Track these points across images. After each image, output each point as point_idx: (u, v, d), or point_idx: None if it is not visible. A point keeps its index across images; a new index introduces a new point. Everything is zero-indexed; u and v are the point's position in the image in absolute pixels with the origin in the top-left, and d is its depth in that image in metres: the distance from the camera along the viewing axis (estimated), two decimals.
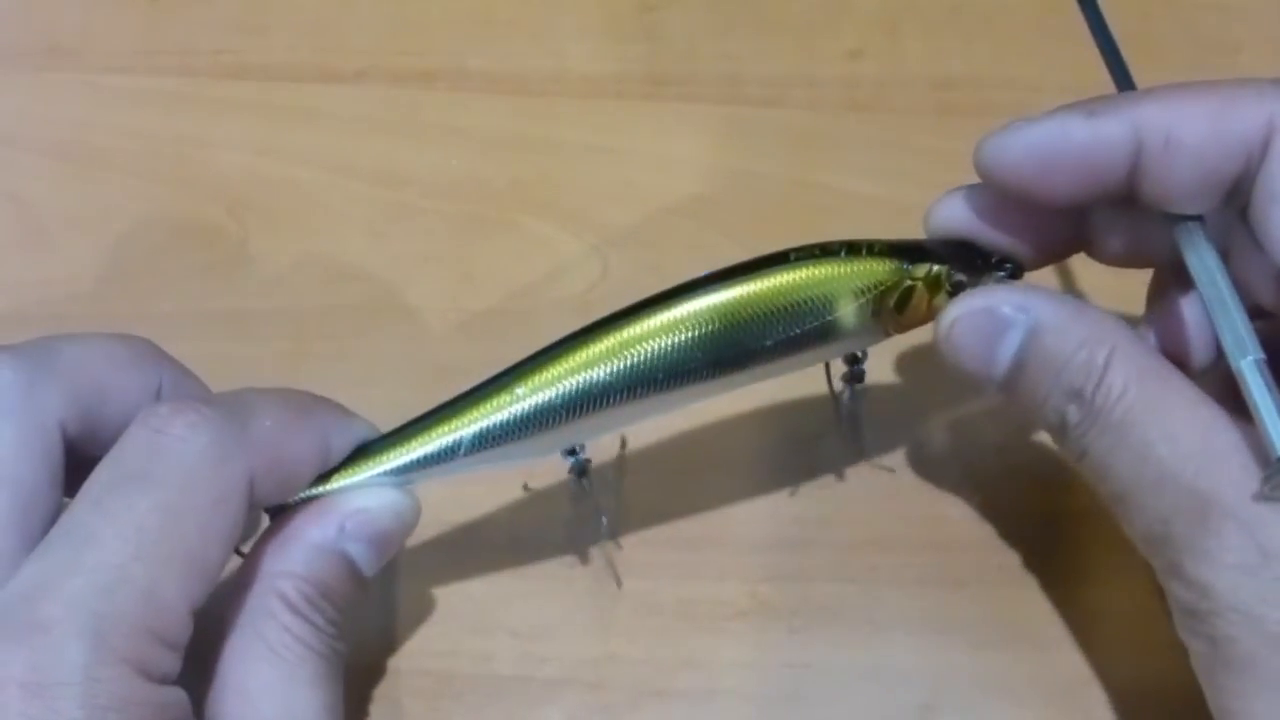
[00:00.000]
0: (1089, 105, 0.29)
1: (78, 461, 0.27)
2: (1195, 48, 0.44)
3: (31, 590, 0.24)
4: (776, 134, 0.43)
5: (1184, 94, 0.28)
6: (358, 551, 0.29)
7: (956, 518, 0.35)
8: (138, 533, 0.25)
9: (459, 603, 0.34)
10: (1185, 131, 0.27)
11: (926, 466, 0.36)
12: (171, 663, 0.25)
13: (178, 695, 0.25)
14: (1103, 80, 0.43)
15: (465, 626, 0.34)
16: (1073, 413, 0.28)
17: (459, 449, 0.30)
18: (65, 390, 0.27)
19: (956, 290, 0.31)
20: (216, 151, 0.43)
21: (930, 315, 0.31)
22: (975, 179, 0.30)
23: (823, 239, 0.31)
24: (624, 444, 0.33)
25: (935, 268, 0.31)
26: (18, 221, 0.41)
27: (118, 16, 0.45)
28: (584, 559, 0.34)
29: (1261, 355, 0.26)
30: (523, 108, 0.43)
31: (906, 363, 0.37)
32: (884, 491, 0.36)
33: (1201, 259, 0.28)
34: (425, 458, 0.30)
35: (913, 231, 0.31)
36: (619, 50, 0.45)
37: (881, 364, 0.36)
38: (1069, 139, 0.28)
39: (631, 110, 0.43)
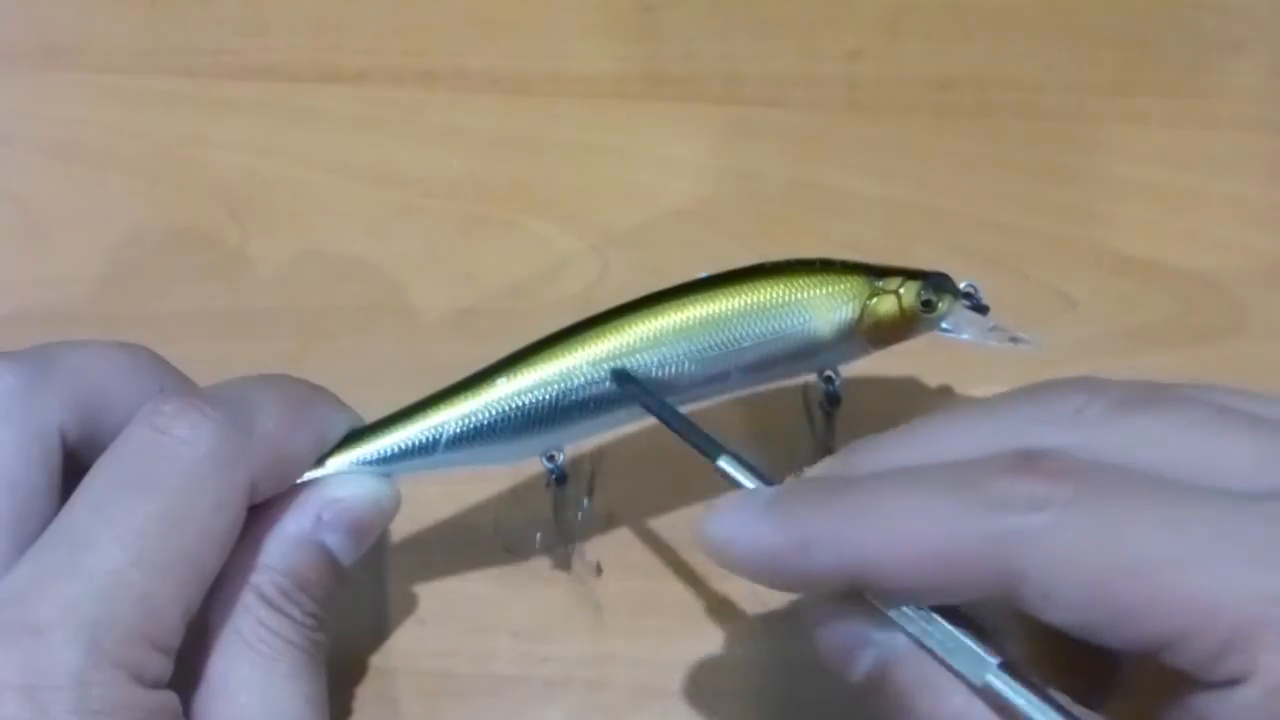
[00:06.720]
0: (801, 530, 0.24)
1: (75, 467, 0.27)
2: (1195, 48, 0.44)
3: (26, 592, 0.24)
4: (776, 134, 0.43)
5: (901, 541, 0.23)
6: (335, 541, 0.29)
7: None
8: (138, 539, 0.25)
9: (458, 602, 0.34)
10: (903, 585, 0.24)
11: None
12: (164, 667, 0.25)
13: (169, 699, 0.25)
14: (1103, 80, 0.43)
15: (465, 626, 0.34)
16: None
17: (439, 442, 0.30)
18: (65, 396, 0.27)
19: (927, 308, 0.31)
20: (217, 152, 0.43)
21: (902, 331, 0.31)
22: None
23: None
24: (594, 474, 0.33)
25: (905, 283, 0.31)
26: (18, 221, 0.41)
27: (118, 16, 0.45)
28: (566, 567, 0.34)
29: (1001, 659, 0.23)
30: (523, 108, 0.43)
31: (885, 383, 0.37)
32: None
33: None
34: (406, 449, 0.30)
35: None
36: (619, 50, 0.45)
37: (860, 385, 0.36)
38: (780, 567, 0.25)
39: (631, 110, 0.43)
